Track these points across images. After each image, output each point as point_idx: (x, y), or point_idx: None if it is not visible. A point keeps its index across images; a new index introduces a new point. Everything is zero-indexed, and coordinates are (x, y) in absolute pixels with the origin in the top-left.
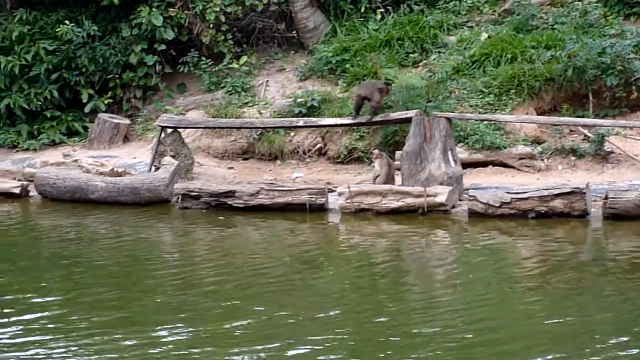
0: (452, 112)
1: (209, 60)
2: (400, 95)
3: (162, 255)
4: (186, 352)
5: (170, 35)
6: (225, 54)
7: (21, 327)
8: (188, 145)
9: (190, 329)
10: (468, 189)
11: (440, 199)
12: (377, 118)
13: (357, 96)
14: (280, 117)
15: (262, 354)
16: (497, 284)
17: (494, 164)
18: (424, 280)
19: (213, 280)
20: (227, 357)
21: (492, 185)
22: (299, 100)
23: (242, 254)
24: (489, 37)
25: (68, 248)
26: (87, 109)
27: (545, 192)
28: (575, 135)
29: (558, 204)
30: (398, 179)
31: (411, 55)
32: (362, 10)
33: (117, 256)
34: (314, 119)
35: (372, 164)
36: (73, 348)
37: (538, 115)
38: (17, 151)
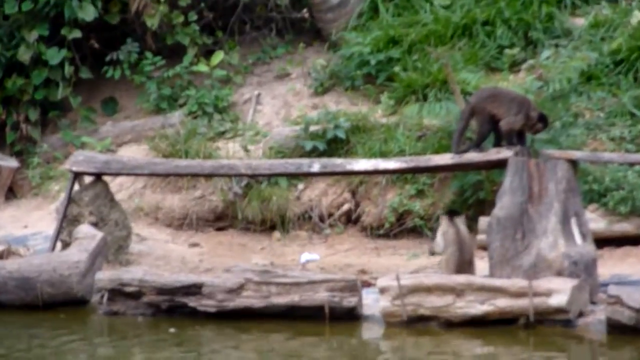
0: (580, 149)
1: (157, 58)
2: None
3: None
4: None
5: (90, 13)
6: (187, 47)
7: None
8: (121, 205)
9: None
10: (606, 284)
11: (558, 300)
12: (457, 157)
13: (470, 109)
14: (282, 158)
15: None
16: None
17: None
18: None
19: None
20: None
21: None
22: (312, 128)
23: None
24: None
25: None
26: None
27: None
28: None
29: None
30: (481, 264)
31: (508, 51)
32: None
33: None
34: (338, 161)
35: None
36: None
37: None
38: None
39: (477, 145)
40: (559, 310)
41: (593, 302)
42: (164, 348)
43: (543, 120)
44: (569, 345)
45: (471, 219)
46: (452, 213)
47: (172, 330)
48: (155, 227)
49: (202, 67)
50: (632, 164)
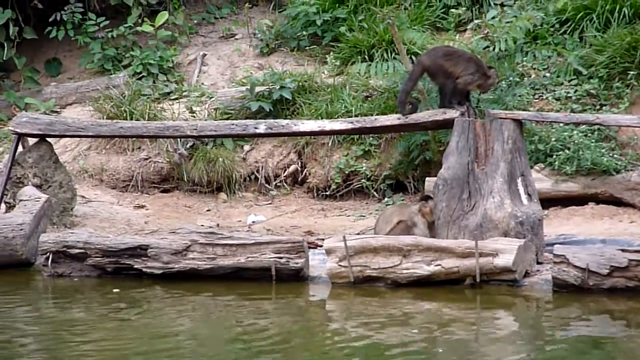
0: (526, 109)
1: (101, 18)
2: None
3: None
4: None
5: None
6: (131, 7)
7: None
8: (65, 167)
9: None
10: (552, 244)
11: (504, 260)
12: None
13: (422, 68)
14: (228, 119)
15: None
16: None
17: (598, 199)
18: None
19: None
20: None
21: (596, 238)
22: (258, 89)
23: None
24: None
25: None
26: None
27: None
28: None
29: None
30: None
31: (454, 10)
32: None
33: None
34: (284, 122)
35: (414, 220)
36: None
37: None
38: None
39: (459, 103)
40: (505, 270)
41: (539, 262)
42: (107, 309)
43: (496, 78)
44: (515, 304)
45: (417, 179)
46: (427, 199)
47: (116, 291)
48: (100, 189)
49: (147, 28)
50: (577, 124)
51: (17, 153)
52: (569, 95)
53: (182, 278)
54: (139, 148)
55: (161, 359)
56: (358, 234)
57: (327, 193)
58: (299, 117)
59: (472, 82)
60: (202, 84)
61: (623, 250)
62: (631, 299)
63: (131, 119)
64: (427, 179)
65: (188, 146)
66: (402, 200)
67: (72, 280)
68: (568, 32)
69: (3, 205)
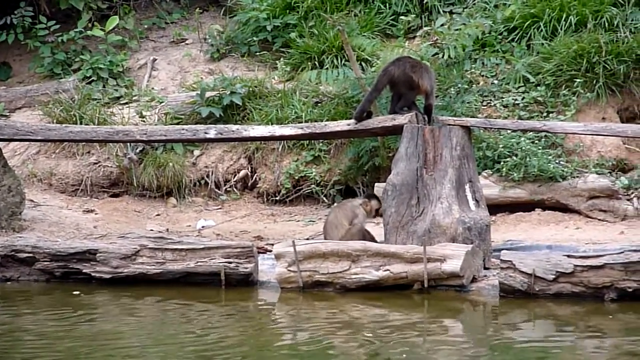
0: (474, 116)
1: (52, 22)
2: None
3: None
4: None
5: None
6: (82, 12)
7: None
8: (14, 171)
9: None
10: (499, 250)
11: (451, 265)
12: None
13: (391, 79)
14: (178, 124)
15: None
16: None
17: (545, 206)
18: None
19: None
20: None
21: (542, 244)
22: (208, 94)
23: None
24: None
25: None
26: None
27: (636, 257)
28: None
29: None
30: (377, 230)
31: (403, 18)
32: None
33: None
34: (235, 127)
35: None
36: None
37: (623, 122)
38: None
39: (408, 109)
40: (453, 275)
41: (486, 267)
42: (56, 313)
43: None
44: (463, 309)
45: (367, 185)
46: (370, 196)
47: (66, 295)
48: (49, 193)
49: (97, 32)
50: (525, 131)
51: None
52: (516, 102)
53: (131, 283)
54: (89, 152)
55: None
56: (307, 239)
57: (277, 198)
58: (249, 122)
59: (433, 92)
60: (152, 88)
61: (569, 256)
62: (576, 305)
63: (81, 123)
64: (376, 184)
65: (138, 151)
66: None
67: (20, 284)
68: (516, 39)
69: None
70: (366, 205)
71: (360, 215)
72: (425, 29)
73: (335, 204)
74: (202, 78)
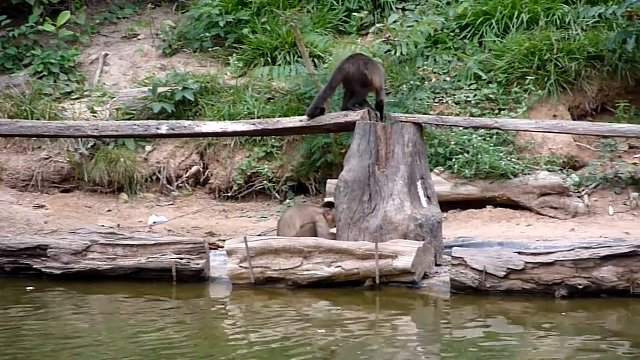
0: (426, 113)
1: (3, 17)
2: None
3: None
4: None
5: None
6: (33, 6)
7: None
8: None
9: None
10: (451, 247)
11: (403, 262)
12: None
13: (346, 76)
14: (129, 119)
15: None
16: None
17: (496, 203)
18: None
19: None
20: None
21: (494, 241)
22: (161, 90)
23: None
24: None
25: None
26: None
27: (586, 254)
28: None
29: (608, 273)
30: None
31: (356, 14)
32: None
33: None
34: (187, 123)
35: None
36: None
37: (574, 119)
38: None
39: (360, 106)
40: (405, 272)
41: (438, 264)
42: (5, 309)
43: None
44: (414, 306)
45: (319, 182)
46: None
47: (30, 289)
48: (0, 189)
49: (48, 27)
50: (477, 128)
51: None
52: (468, 99)
53: (82, 278)
54: (40, 148)
55: (61, 359)
56: (260, 235)
57: (229, 194)
58: (201, 118)
59: (384, 89)
60: (104, 84)
61: (520, 253)
62: (527, 301)
63: (32, 118)
64: (328, 181)
65: (89, 146)
66: (304, 202)
67: None
68: (468, 37)
69: None
70: (328, 215)
71: (323, 224)
72: (378, 25)
73: (294, 203)
74: (154, 74)
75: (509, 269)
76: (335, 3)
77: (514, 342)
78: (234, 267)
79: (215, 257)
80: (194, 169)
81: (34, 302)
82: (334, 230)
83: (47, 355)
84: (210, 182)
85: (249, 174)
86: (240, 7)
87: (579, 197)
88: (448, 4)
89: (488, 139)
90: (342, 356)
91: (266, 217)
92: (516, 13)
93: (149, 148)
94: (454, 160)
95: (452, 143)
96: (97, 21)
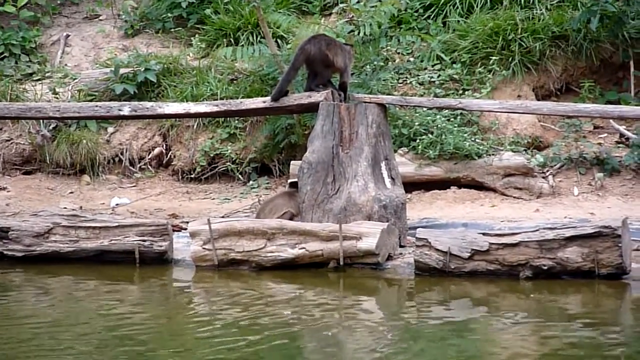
0: (390, 94)
1: None
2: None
3: None
4: None
5: None
6: None
7: None
8: None
9: None
10: (415, 228)
11: (367, 244)
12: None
13: (307, 57)
14: (91, 101)
15: None
16: None
17: (460, 184)
18: None
19: None
20: None
21: (458, 222)
22: (122, 71)
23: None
24: None
25: None
26: None
27: (551, 234)
28: (604, 135)
29: (572, 254)
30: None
31: None
32: None
33: None
34: (149, 105)
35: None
36: None
37: (538, 99)
38: None
39: (324, 86)
40: (369, 253)
41: (402, 245)
42: None
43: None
44: (378, 287)
45: (282, 163)
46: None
47: None
48: None
49: (9, 8)
50: (440, 109)
51: None
52: (432, 80)
53: (44, 261)
54: (1, 129)
55: (22, 343)
56: (223, 217)
57: (192, 176)
58: (163, 99)
59: (348, 69)
60: (66, 65)
61: (484, 234)
62: (491, 283)
63: None
64: (292, 162)
65: (51, 128)
66: (267, 183)
67: None
68: (432, 17)
69: None
70: None
71: None
72: (341, 5)
73: (286, 188)
74: (116, 54)
75: (473, 249)
76: None
77: (477, 324)
78: (197, 249)
79: (179, 239)
80: (157, 150)
81: None
82: None
83: (5, 339)
84: (173, 163)
85: (212, 155)
86: None
87: (543, 177)
88: None
89: (452, 119)
90: (305, 338)
91: (229, 198)
92: None
93: (111, 129)
94: (417, 140)
95: (416, 124)
96: (58, 1)
